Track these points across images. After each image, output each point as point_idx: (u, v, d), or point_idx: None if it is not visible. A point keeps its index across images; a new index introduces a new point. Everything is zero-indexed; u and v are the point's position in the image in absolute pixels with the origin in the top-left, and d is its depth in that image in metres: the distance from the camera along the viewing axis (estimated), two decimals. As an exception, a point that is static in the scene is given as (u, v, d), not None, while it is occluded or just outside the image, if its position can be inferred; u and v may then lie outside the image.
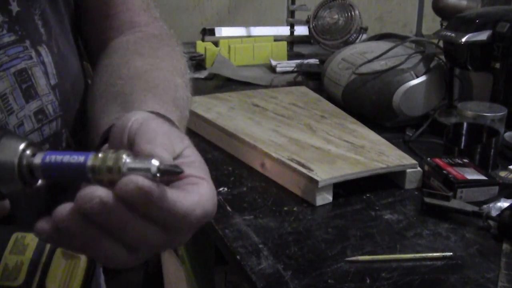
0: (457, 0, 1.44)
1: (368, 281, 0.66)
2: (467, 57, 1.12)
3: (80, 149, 0.62)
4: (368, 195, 0.88)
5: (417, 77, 1.14)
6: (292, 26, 1.89)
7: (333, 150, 0.94)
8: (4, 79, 0.52)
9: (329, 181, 0.84)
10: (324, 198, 0.85)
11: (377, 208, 0.84)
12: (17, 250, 0.50)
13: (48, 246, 0.51)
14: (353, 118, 1.11)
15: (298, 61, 1.67)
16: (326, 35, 1.71)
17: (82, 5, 0.66)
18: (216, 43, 1.78)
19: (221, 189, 0.90)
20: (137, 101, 0.51)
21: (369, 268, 0.69)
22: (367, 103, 1.17)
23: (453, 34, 1.13)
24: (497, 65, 1.10)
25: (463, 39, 1.10)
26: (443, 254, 0.71)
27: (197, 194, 0.38)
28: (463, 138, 1.01)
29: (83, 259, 0.53)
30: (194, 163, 0.42)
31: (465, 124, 1.01)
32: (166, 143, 0.40)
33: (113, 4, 0.66)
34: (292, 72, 1.64)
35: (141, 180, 0.34)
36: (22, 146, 0.36)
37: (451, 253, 0.71)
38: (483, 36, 1.10)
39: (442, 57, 1.22)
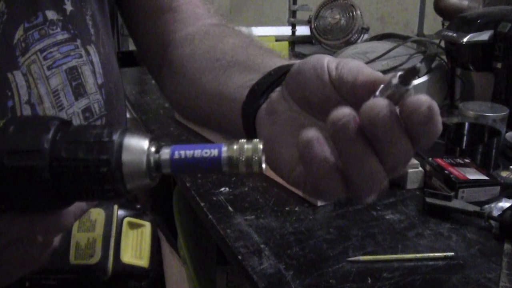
0: (459, 0, 1.44)
1: (369, 281, 0.66)
2: (468, 57, 1.12)
3: None
4: (369, 195, 0.88)
5: (419, 77, 1.14)
6: (293, 26, 1.89)
7: (334, 150, 0.93)
8: (56, 76, 0.53)
9: (330, 181, 0.84)
10: (326, 198, 0.85)
11: (378, 208, 0.84)
12: (85, 227, 0.50)
13: (115, 219, 0.51)
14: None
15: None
16: (327, 35, 1.71)
17: (135, 1, 0.66)
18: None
19: (222, 189, 0.90)
20: (267, 61, 0.50)
21: (370, 268, 0.69)
22: (369, 103, 1.17)
23: (454, 34, 1.13)
24: (499, 65, 1.10)
25: (465, 39, 1.10)
26: (445, 254, 0.71)
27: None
28: (465, 138, 1.01)
29: (148, 226, 0.53)
30: None
31: (466, 124, 1.01)
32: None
33: None
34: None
35: (428, 98, 0.34)
36: (147, 143, 0.36)
37: (453, 253, 0.71)
38: (484, 36, 1.10)
39: (444, 57, 1.22)
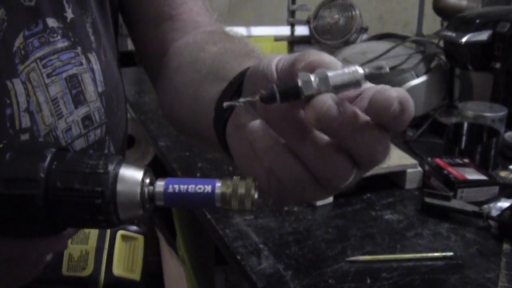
0: (458, 0, 1.44)
1: (368, 281, 0.66)
2: (467, 57, 1.12)
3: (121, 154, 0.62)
4: (368, 195, 0.88)
5: (418, 77, 1.14)
6: (292, 26, 1.88)
7: (333, 150, 0.93)
8: (56, 84, 0.52)
9: (329, 181, 0.84)
10: (325, 198, 0.85)
11: (377, 208, 0.84)
12: (79, 239, 0.51)
13: (108, 232, 0.52)
14: (354, 118, 1.10)
15: (299, 61, 1.67)
16: (326, 35, 1.71)
17: (136, 9, 0.65)
18: (216, 43, 1.77)
19: (221, 189, 0.90)
20: (236, 67, 0.48)
21: (369, 268, 0.69)
22: (368, 103, 1.17)
23: (453, 34, 1.13)
24: (498, 65, 1.10)
25: (464, 39, 1.10)
26: (444, 254, 0.71)
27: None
28: (464, 138, 1.01)
29: (141, 239, 0.54)
30: None
31: (465, 124, 1.01)
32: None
33: (175, 5, 0.65)
34: (292, 72, 1.64)
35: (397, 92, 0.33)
36: (141, 175, 0.36)
37: (452, 253, 0.71)
38: (483, 36, 1.10)
39: (443, 57, 1.22)
